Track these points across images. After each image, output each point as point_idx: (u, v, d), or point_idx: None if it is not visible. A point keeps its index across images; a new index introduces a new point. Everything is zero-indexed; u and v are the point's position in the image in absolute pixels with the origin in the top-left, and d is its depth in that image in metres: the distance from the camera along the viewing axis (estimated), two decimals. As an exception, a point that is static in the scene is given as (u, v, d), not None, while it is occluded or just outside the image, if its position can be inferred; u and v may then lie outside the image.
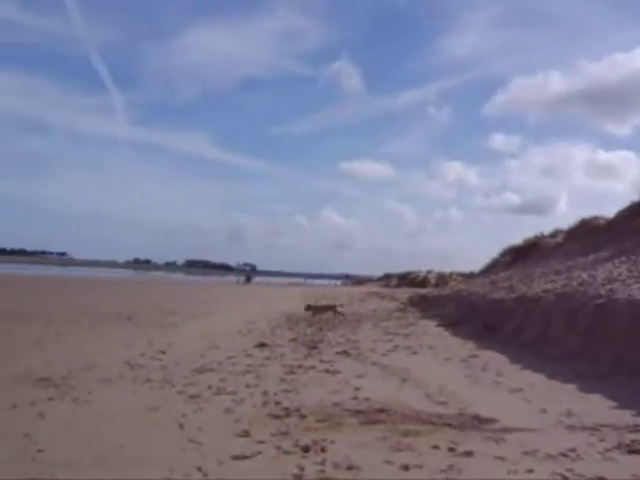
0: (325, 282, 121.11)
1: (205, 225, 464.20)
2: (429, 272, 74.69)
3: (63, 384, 10.16)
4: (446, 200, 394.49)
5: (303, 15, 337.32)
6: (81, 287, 47.10)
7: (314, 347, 15.34)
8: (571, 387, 10.66)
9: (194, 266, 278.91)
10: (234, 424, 7.92)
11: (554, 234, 33.89)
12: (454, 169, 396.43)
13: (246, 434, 7.45)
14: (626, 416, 8.55)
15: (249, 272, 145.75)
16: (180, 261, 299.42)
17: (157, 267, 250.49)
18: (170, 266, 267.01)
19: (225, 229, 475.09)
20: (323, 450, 6.85)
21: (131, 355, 13.22)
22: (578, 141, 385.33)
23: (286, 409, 8.69)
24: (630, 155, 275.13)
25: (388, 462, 6.52)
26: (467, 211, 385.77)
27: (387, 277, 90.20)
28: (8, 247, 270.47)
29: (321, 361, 13.16)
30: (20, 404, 8.68)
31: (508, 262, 36.17)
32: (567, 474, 6.21)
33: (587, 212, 33.48)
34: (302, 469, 6.22)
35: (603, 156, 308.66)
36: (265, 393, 9.77)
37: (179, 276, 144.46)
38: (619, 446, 7.15)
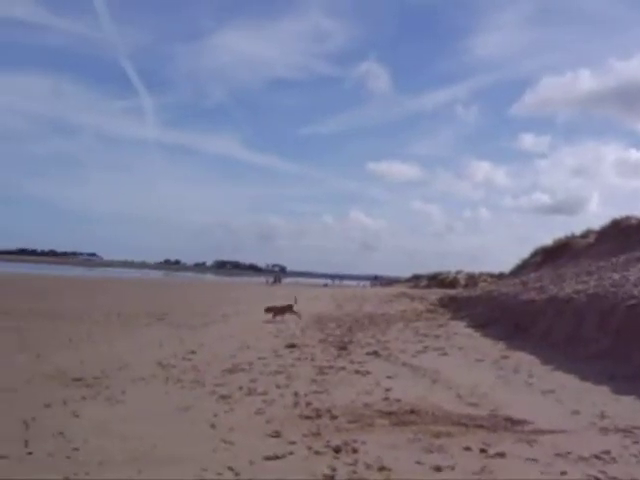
0: (353, 283, 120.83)
1: (234, 226, 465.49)
2: (458, 273, 74.21)
3: (96, 383, 10.26)
4: (475, 200, 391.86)
5: (331, 16, 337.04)
6: (111, 288, 47.47)
7: (344, 348, 15.33)
8: (603, 388, 10.57)
9: (223, 267, 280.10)
10: (265, 424, 7.95)
11: (585, 234, 33.54)
12: (483, 169, 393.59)
13: (277, 434, 7.48)
14: (660, 418, 8.47)
15: (278, 273, 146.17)
16: (209, 262, 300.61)
17: (187, 268, 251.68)
18: (199, 267, 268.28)
19: (254, 230, 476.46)
20: (354, 451, 6.86)
21: (163, 355, 13.32)
22: (609, 140, 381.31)
23: (317, 410, 8.71)
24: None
25: (420, 463, 6.52)
26: (496, 211, 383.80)
27: (416, 278, 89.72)
28: (39, 248, 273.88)
29: (351, 362, 13.15)
30: (54, 403, 8.79)
31: (538, 263, 35.86)
32: (600, 476, 6.18)
33: (619, 212, 33.12)
34: (334, 470, 6.23)
35: (635, 155, 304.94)
36: (296, 394, 9.79)
37: (209, 277, 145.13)
38: (653, 448, 7.09)
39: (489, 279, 60.33)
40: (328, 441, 7.19)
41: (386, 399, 9.53)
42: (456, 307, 27.12)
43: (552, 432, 7.83)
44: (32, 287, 41.37)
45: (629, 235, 27.54)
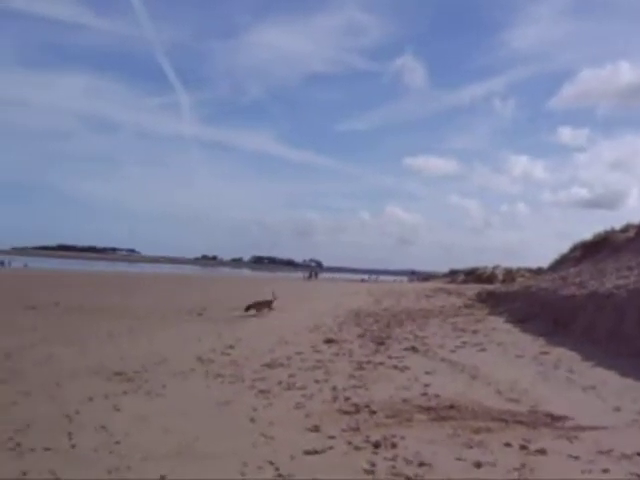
0: (390, 278, 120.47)
1: (271, 221, 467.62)
2: (496, 268, 73.45)
3: (136, 378, 10.40)
4: (512, 195, 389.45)
5: (366, 10, 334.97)
6: (150, 283, 47.83)
7: (382, 343, 15.30)
8: (645, 385, 10.44)
9: (260, 262, 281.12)
10: (305, 419, 7.99)
11: (625, 229, 32.98)
12: (520, 163, 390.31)
13: (317, 429, 7.51)
14: None
15: (315, 268, 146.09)
16: (246, 257, 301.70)
17: (224, 263, 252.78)
18: (237, 262, 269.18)
19: (291, 225, 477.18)
20: (394, 446, 6.87)
21: (202, 350, 13.43)
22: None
23: (356, 405, 8.73)
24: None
25: (460, 459, 6.51)
26: (534, 206, 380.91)
27: (453, 273, 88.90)
28: (79, 244, 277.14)
29: (389, 357, 13.13)
30: (96, 397, 8.94)
31: (577, 257, 35.36)
32: (644, 474, 6.11)
33: (660, 206, 32.58)
34: (373, 465, 6.24)
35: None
36: (334, 389, 9.82)
37: (245, 272, 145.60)
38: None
39: (527, 274, 59.62)
40: (367, 436, 7.21)
41: (425, 394, 9.50)
42: (494, 302, 26.89)
43: (593, 429, 7.75)
44: (72, 283, 41.91)
45: (670, 229, 27.11)
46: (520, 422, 8.00)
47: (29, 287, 35.04)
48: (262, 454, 6.54)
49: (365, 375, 11.09)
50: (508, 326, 19.22)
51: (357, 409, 8.49)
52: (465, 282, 66.12)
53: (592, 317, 15.70)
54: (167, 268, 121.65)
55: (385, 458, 6.46)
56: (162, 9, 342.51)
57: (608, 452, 6.76)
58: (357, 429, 7.53)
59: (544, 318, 18.53)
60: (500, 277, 65.91)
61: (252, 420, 7.90)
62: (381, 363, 12.35)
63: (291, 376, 10.81)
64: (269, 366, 11.75)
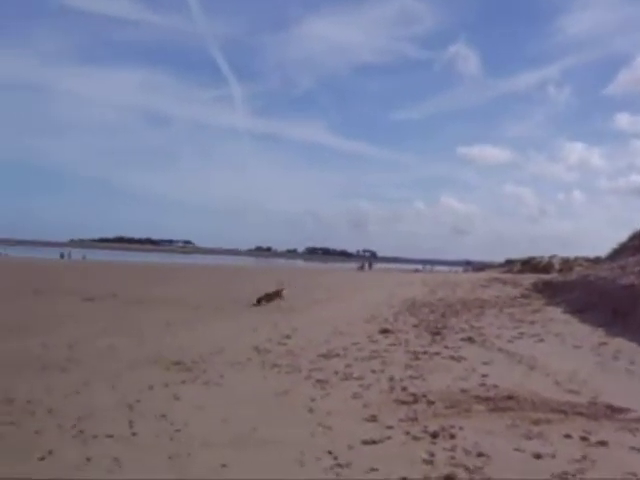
0: (445, 268, 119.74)
1: (325, 212, 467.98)
2: (552, 257, 72.33)
3: (195, 367, 10.56)
4: (568, 183, 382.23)
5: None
6: (205, 274, 48.33)
7: (438, 333, 15.24)
8: None
9: (314, 253, 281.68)
10: (362, 409, 8.01)
11: (687, 217, 32.27)
12: (576, 150, 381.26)
13: (374, 419, 7.53)
14: None
15: (369, 258, 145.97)
16: (300, 248, 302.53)
17: (278, 254, 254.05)
18: (291, 253, 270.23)
19: (345, 216, 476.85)
20: (452, 436, 6.86)
21: (258, 340, 13.55)
22: None
23: (413, 395, 8.73)
24: None
25: (519, 450, 6.47)
26: (591, 194, 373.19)
27: (509, 262, 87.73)
28: (136, 236, 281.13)
29: (446, 347, 13.08)
30: (155, 386, 9.11)
31: (637, 246, 34.68)
32: None
33: None
34: (432, 455, 6.24)
35: None
36: (391, 379, 9.82)
37: (299, 263, 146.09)
38: None
39: (584, 263, 58.65)
40: (425, 426, 7.20)
41: (483, 385, 9.46)
42: (551, 292, 26.53)
43: (656, 421, 7.63)
44: (130, 274, 42.56)
45: None
46: (580, 413, 7.91)
47: (88, 279, 35.69)
48: (320, 444, 6.59)
49: (422, 365, 11.07)
50: (566, 316, 18.94)
51: (415, 399, 8.49)
52: (521, 272, 65.25)
53: (653, 307, 15.41)
54: (222, 259, 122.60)
55: (444, 448, 6.45)
56: (214, 3, 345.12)
57: (672, 445, 6.66)
58: (415, 419, 7.53)
59: (603, 308, 18.21)
60: (557, 267, 64.91)
61: (310, 410, 7.96)
62: (437, 353, 12.31)
63: (348, 366, 10.84)
64: (325, 356, 11.80)
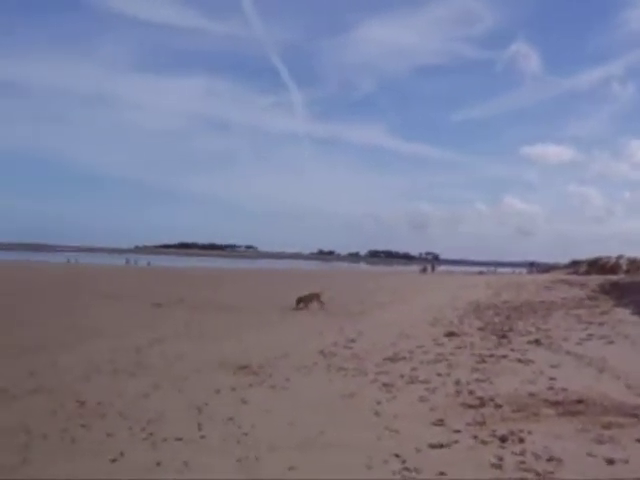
0: (509, 270, 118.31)
1: (386, 215, 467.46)
2: (619, 258, 70.82)
3: (261, 371, 10.65)
4: (635, 181, 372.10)
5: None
6: (269, 279, 48.69)
7: (504, 336, 15.07)
8: None
9: (376, 256, 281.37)
10: (429, 412, 7.98)
11: None
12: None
13: (441, 423, 7.49)
14: None
15: (432, 261, 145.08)
16: (363, 252, 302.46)
17: (340, 258, 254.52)
18: (353, 257, 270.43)
19: (406, 218, 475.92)
20: (521, 440, 6.77)
21: (324, 344, 13.60)
22: None
23: (480, 398, 8.65)
24: None
25: (591, 455, 6.35)
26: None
27: (575, 264, 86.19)
28: (199, 242, 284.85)
29: (512, 350, 12.92)
30: (223, 389, 9.22)
31: None
32: None
33: None
34: (501, 459, 6.18)
35: None
36: (458, 382, 9.75)
37: (362, 266, 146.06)
38: None
39: (654, 264, 57.43)
40: (493, 430, 7.13)
41: (551, 388, 9.31)
42: (619, 293, 26.04)
43: None
44: (195, 280, 43.10)
45: None
46: (653, 417, 7.73)
47: (154, 285, 36.25)
48: (387, 447, 6.58)
49: (488, 368, 10.96)
50: (635, 318, 18.54)
51: (482, 403, 8.42)
52: (587, 273, 64.10)
53: None
54: (285, 264, 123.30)
55: (513, 453, 6.38)
56: (272, 10, 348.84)
57: None
58: (483, 423, 7.46)
59: (674, 309, 17.80)
60: (624, 267, 63.63)
61: (376, 413, 7.95)
62: (504, 356, 12.18)
63: (413, 369, 10.81)
64: (391, 360, 11.78)
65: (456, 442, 6.75)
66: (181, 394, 8.98)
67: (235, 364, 11.18)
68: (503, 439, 6.81)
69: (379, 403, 8.43)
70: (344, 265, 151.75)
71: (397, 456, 6.26)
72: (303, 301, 22.59)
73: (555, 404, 8.35)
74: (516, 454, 6.34)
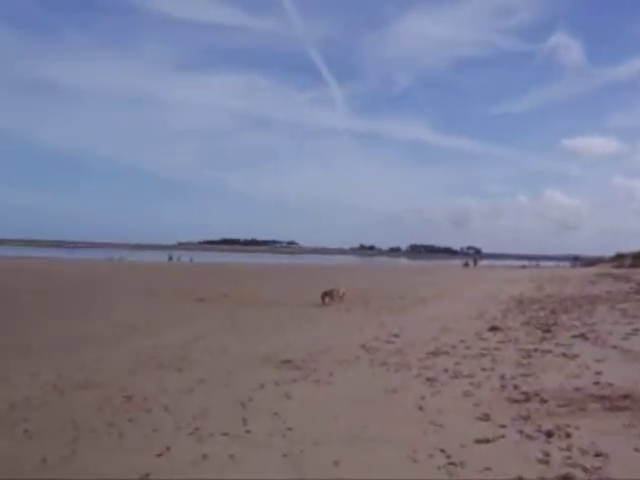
0: (551, 264, 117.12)
1: (427, 210, 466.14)
2: (665, 250, 69.86)
3: (304, 366, 10.69)
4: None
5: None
6: (309, 274, 48.80)
7: (548, 330, 14.93)
8: None
9: (417, 251, 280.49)
10: (474, 407, 7.93)
11: None
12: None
13: (487, 418, 7.44)
14: None
15: (474, 255, 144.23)
16: (404, 246, 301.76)
17: (381, 253, 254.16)
18: (394, 251, 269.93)
19: (447, 213, 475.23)
20: (568, 436, 6.70)
21: (365, 338, 13.62)
22: None
23: (525, 393, 8.57)
24: None
25: (637, 450, 6.26)
26: None
27: (619, 257, 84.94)
28: (241, 238, 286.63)
29: (557, 345, 12.79)
30: (267, 384, 9.29)
31: None
32: None
33: None
34: (547, 454, 6.12)
35: None
36: (502, 377, 9.68)
37: (403, 261, 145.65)
38: None
39: (702, 256, 56.42)
40: (539, 425, 7.07)
41: (597, 383, 9.19)
42: (666, 287, 25.62)
43: None
44: (237, 275, 43.40)
45: None
46: None
47: (198, 280, 36.61)
48: (432, 442, 6.56)
49: (533, 363, 10.87)
50: (683, 312, 18.22)
51: (527, 398, 8.34)
52: (633, 266, 63.13)
53: None
54: (326, 259, 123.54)
55: (559, 448, 6.31)
56: (311, 6, 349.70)
57: None
58: (528, 418, 7.40)
59: None
60: (671, 260, 62.57)
61: (420, 408, 7.93)
62: (549, 351, 12.06)
63: (457, 364, 10.76)
64: (434, 354, 11.74)
65: (502, 437, 6.71)
66: (226, 389, 9.06)
67: (278, 359, 11.26)
68: (549, 434, 6.75)
69: (423, 398, 8.41)
70: (385, 260, 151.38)
71: (442, 451, 6.23)
72: (328, 296, 22.40)
73: (601, 399, 8.24)
74: (563, 449, 6.27)
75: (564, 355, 11.62)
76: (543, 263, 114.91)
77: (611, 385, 9.00)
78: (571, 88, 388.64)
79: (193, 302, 22.11)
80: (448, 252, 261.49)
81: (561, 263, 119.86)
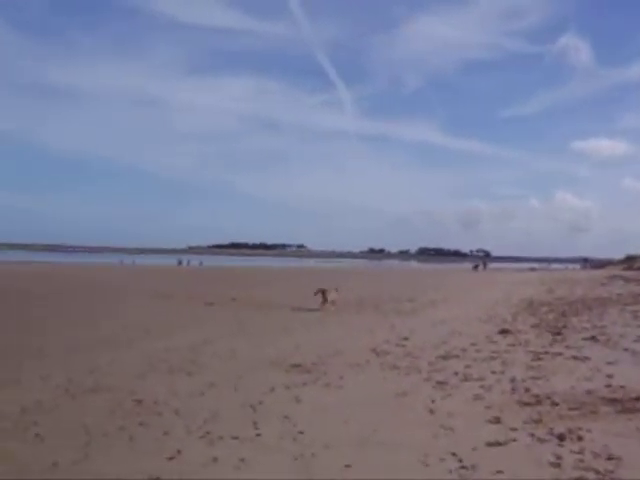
0: (561, 266, 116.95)
1: (436, 212, 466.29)
2: (677, 252, 69.66)
3: (314, 369, 10.67)
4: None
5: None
6: (319, 277, 48.73)
7: (558, 333, 14.89)
8: None
9: (427, 254, 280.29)
10: (484, 410, 7.90)
11: None
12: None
13: (497, 421, 7.41)
14: None
15: (484, 258, 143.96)
16: (413, 249, 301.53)
17: (391, 255, 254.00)
18: (403, 254, 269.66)
19: (457, 216, 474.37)
20: (580, 439, 6.67)
21: (375, 342, 13.59)
22: None
23: (536, 396, 8.54)
24: None
25: (651, 453, 6.23)
26: None
27: (630, 259, 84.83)
28: (250, 242, 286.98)
29: (567, 347, 12.76)
30: (277, 387, 9.27)
31: None
32: None
33: None
34: (559, 458, 6.09)
35: None
36: (513, 380, 9.65)
37: (413, 264, 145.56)
38: None
39: None
40: (551, 428, 7.04)
41: (609, 386, 9.15)
42: (677, 289, 25.52)
43: None
44: (246, 279, 43.43)
45: None
46: None
47: (207, 284, 36.65)
48: (443, 445, 6.53)
49: (544, 366, 10.83)
50: (695, 314, 18.16)
51: (538, 400, 8.32)
52: (643, 268, 62.96)
53: None
54: (335, 262, 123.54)
55: (571, 451, 6.28)
56: (319, 9, 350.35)
57: None
58: (539, 421, 7.37)
59: None
60: (682, 262, 62.37)
61: (431, 411, 7.91)
62: (559, 353, 12.03)
63: (467, 367, 10.73)
64: (444, 357, 11.71)
65: (513, 440, 6.67)
66: (236, 392, 9.04)
67: (288, 362, 11.24)
68: (561, 437, 6.72)
69: (433, 401, 8.38)
70: (395, 263, 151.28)
71: (453, 454, 6.21)
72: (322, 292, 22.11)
73: (613, 402, 8.21)
74: (575, 452, 6.24)
75: (575, 358, 11.59)
76: (553, 265, 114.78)
77: (623, 388, 8.97)
78: (580, 90, 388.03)
79: (203, 305, 22.15)
80: (457, 255, 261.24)
81: (571, 265, 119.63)
